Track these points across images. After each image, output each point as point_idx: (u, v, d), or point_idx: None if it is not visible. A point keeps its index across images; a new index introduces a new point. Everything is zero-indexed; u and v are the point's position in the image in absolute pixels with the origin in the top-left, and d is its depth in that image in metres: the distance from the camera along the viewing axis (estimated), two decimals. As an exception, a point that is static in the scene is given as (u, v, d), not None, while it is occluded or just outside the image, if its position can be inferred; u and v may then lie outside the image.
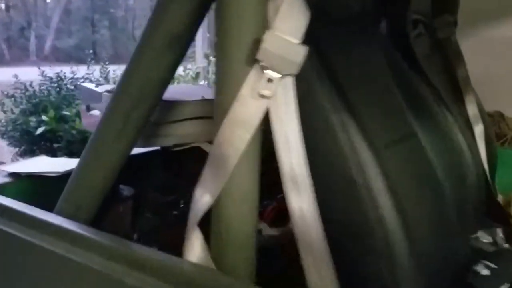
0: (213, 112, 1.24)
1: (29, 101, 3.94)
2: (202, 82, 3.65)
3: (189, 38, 0.85)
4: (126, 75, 0.87)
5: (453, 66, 1.45)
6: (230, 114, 0.72)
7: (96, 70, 4.58)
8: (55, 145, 3.64)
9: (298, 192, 0.71)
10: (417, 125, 0.94)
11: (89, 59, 4.65)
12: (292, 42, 0.70)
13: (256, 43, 0.70)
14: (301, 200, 0.71)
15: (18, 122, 3.82)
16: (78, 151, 3.49)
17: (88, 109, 1.39)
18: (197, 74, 3.83)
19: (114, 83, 4.35)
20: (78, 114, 3.61)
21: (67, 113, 3.68)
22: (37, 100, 3.89)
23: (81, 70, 4.64)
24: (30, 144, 3.84)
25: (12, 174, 1.15)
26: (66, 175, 1.12)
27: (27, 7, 17.01)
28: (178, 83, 3.85)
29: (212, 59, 4.04)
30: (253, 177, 0.75)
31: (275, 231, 1.25)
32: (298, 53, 0.70)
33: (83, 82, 4.25)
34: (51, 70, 4.49)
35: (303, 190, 0.71)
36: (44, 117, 3.62)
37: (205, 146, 1.32)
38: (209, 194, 0.75)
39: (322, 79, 0.79)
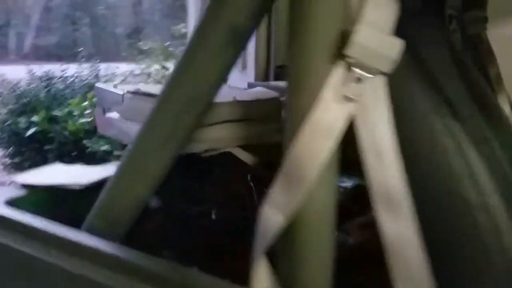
0: (249, 114, 1.15)
1: (17, 101, 3.78)
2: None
3: (252, 32, 0.74)
4: (176, 75, 0.76)
5: (485, 64, 1.38)
6: (310, 120, 0.62)
7: (85, 69, 4.43)
8: (46, 147, 3.50)
9: (394, 214, 0.61)
10: (487, 125, 0.85)
11: (79, 57, 4.49)
12: (386, 35, 0.60)
13: (342, 36, 0.60)
14: (398, 224, 0.61)
15: (7, 123, 3.66)
16: (70, 153, 3.39)
17: (104, 112, 1.27)
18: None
19: (106, 81, 4.22)
20: (69, 115, 3.48)
21: (58, 113, 3.53)
22: (26, 100, 3.73)
23: (63, 68, 4.47)
24: (19, 146, 3.69)
25: (28, 186, 1.03)
26: (90, 187, 1.01)
27: (6, 5, 16.63)
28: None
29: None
30: (332, 193, 0.66)
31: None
32: (394, 48, 0.60)
33: (73, 81, 4.11)
34: (38, 69, 4.34)
35: (401, 212, 0.61)
36: (34, 118, 3.47)
37: (236, 152, 1.22)
38: (281, 214, 0.65)
39: (417, 77, 0.69)
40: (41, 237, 0.88)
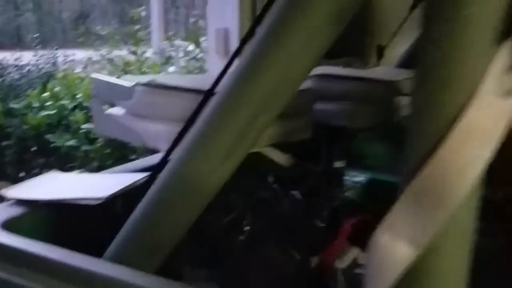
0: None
1: (-31, 95, 3.44)
2: (171, 69, 3.29)
3: (355, 10, 0.58)
4: (252, 68, 0.59)
5: None
6: (462, 121, 0.46)
7: (41, 56, 4.11)
8: (4, 143, 3.21)
9: None
10: None
11: (34, 44, 4.15)
12: None
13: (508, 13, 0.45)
14: None
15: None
16: (31, 148, 3.11)
17: (103, 107, 1.08)
18: (168, 58, 3.44)
19: (73, 70, 3.92)
20: (28, 107, 3.21)
21: (15, 106, 3.25)
22: (-21, 92, 3.40)
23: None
24: (-27, 143, 3.37)
25: (26, 202, 0.83)
26: (108, 202, 0.82)
27: None
28: (139, 70, 3.49)
29: (181, 43, 3.66)
30: (473, 215, 0.51)
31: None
32: None
33: (29, 69, 3.80)
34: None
35: None
36: (-11, 112, 3.17)
37: (266, 151, 1.06)
38: (409, 245, 0.50)
39: None
40: (54, 270, 0.69)
